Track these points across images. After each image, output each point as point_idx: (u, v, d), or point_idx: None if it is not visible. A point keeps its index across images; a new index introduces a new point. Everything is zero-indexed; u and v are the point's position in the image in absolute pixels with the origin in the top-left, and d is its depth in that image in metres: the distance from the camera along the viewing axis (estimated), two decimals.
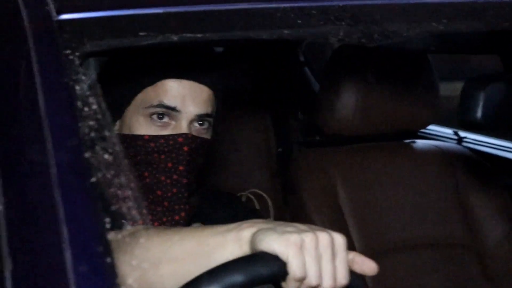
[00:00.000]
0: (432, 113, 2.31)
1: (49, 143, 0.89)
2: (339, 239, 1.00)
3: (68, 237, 0.81)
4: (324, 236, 0.98)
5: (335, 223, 2.14)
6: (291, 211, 2.29)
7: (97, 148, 0.90)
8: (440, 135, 2.90)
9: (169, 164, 1.45)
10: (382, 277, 2.11)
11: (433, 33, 1.15)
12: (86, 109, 0.93)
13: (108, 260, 0.80)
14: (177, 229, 1.08)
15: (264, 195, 2.50)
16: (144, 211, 0.90)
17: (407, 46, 2.08)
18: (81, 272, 0.79)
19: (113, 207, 0.88)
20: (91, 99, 0.94)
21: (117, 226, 0.87)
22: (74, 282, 0.79)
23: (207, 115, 1.48)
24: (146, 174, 1.46)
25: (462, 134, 2.81)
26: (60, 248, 0.81)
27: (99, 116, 0.93)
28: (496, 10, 1.23)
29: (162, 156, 1.44)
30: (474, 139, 2.77)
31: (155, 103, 1.45)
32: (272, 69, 3.23)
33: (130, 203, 0.89)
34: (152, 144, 1.44)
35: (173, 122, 1.46)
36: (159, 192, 1.45)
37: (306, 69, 3.29)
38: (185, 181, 1.45)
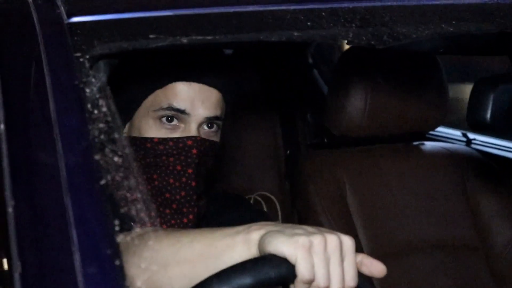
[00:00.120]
0: (441, 115, 2.31)
1: (58, 145, 0.90)
2: (348, 241, 1.00)
3: (77, 239, 0.82)
4: (332, 238, 0.98)
5: (343, 225, 2.14)
6: (299, 213, 2.29)
7: (107, 150, 0.91)
8: (448, 137, 2.89)
9: (178, 167, 1.45)
10: (390, 279, 2.11)
11: (443, 34, 1.15)
12: (96, 111, 0.93)
13: (117, 262, 0.80)
14: (186, 231, 1.08)
15: (272, 197, 2.51)
16: (153, 213, 0.90)
17: (416, 48, 2.08)
18: (90, 274, 0.79)
19: (122, 210, 0.88)
20: (101, 102, 0.94)
21: (126, 228, 0.87)
22: (83, 284, 0.79)
23: (216, 117, 1.48)
24: (155, 176, 1.46)
25: (471, 136, 2.81)
26: (69, 250, 0.81)
27: (109, 119, 0.93)
28: (506, 11, 1.23)
29: (171, 159, 1.45)
30: (483, 141, 2.77)
31: (165, 105, 1.45)
32: (281, 72, 3.22)
33: (139, 206, 0.89)
34: (161, 147, 1.45)
35: (182, 125, 1.46)
36: (167, 195, 1.46)
37: (315, 71, 3.29)
38: (193, 183, 1.45)
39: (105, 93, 0.96)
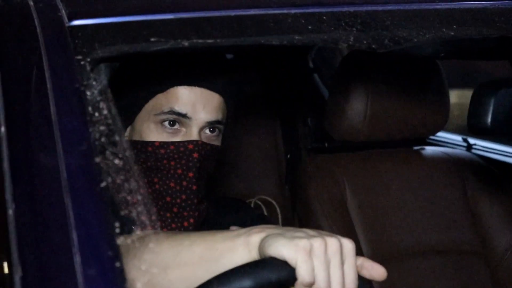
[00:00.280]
0: (442, 119, 2.31)
1: (59, 147, 0.90)
2: (348, 245, 1.00)
3: (78, 241, 0.82)
4: (333, 242, 0.98)
5: (343, 229, 2.14)
6: (300, 217, 2.29)
7: (107, 153, 0.91)
8: (449, 142, 2.89)
9: (179, 171, 1.45)
10: (390, 283, 2.11)
11: (443, 39, 1.16)
12: (96, 114, 0.93)
13: (118, 264, 0.80)
14: (186, 233, 1.08)
15: (273, 201, 2.51)
16: (153, 217, 0.90)
17: (417, 52, 2.08)
18: (90, 276, 0.80)
19: (123, 213, 0.88)
20: (101, 104, 0.94)
21: (126, 231, 0.87)
22: (83, 286, 0.79)
23: (217, 122, 1.48)
24: (155, 180, 1.46)
25: (471, 141, 2.81)
26: (69, 252, 0.81)
27: (110, 121, 0.93)
28: (507, 16, 1.23)
29: (172, 163, 1.45)
30: (484, 146, 2.77)
31: (166, 109, 1.45)
32: (281, 76, 3.23)
33: (140, 209, 0.89)
34: (162, 151, 1.45)
35: (183, 129, 1.46)
36: (168, 198, 1.46)
37: (316, 75, 3.29)
38: (194, 187, 1.46)
39: (106, 96, 0.96)
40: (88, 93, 0.96)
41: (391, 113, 2.24)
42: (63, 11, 1.09)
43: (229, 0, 1.19)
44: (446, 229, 2.27)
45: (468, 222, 2.29)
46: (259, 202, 2.44)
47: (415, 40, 1.14)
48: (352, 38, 1.11)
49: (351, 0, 1.22)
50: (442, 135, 2.89)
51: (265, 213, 2.33)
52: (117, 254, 0.81)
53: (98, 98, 0.95)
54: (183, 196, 1.45)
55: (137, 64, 1.49)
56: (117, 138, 0.92)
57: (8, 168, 0.93)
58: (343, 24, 1.13)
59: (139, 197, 0.90)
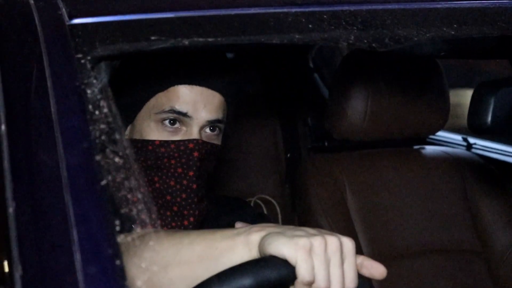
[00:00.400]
0: (442, 119, 2.31)
1: (59, 146, 0.90)
2: (348, 243, 1.00)
3: (78, 240, 0.82)
4: (333, 240, 0.98)
5: (343, 229, 2.14)
6: (299, 216, 2.29)
7: (108, 151, 0.91)
8: (449, 141, 2.89)
9: (179, 170, 1.45)
10: (390, 282, 2.11)
11: (444, 38, 1.16)
12: (97, 112, 0.93)
13: (118, 262, 0.80)
14: (186, 232, 1.08)
15: (273, 200, 2.51)
16: (154, 215, 0.90)
17: (417, 51, 2.08)
18: (91, 274, 0.80)
19: (123, 211, 0.88)
20: (102, 103, 0.94)
21: (126, 229, 0.87)
22: (83, 284, 0.79)
23: (218, 121, 1.48)
24: (156, 179, 1.46)
25: (471, 140, 2.81)
26: (70, 250, 0.81)
27: (110, 120, 0.93)
28: (507, 15, 1.23)
29: (172, 162, 1.45)
30: (484, 146, 2.77)
31: (167, 108, 1.45)
32: (282, 75, 3.23)
33: (140, 207, 0.89)
34: (162, 149, 1.45)
35: (184, 128, 1.46)
36: (168, 197, 1.46)
37: (316, 75, 3.29)
38: (194, 186, 1.46)
39: (106, 94, 0.96)
40: (89, 91, 0.96)
41: (391, 112, 2.24)
42: (64, 9, 1.09)
43: None
44: (445, 228, 2.27)
45: (468, 221, 2.29)
46: (259, 201, 2.45)
47: (416, 39, 1.14)
48: (352, 37, 1.11)
49: None
50: (442, 134, 2.89)
51: (265, 212, 2.33)
52: (117, 252, 0.81)
53: (99, 97, 0.95)
54: (183, 195, 1.45)
55: (137, 62, 1.49)
56: (117, 136, 0.92)
57: (9, 166, 0.93)
58: (344, 23, 1.13)
59: (139, 196, 0.90)
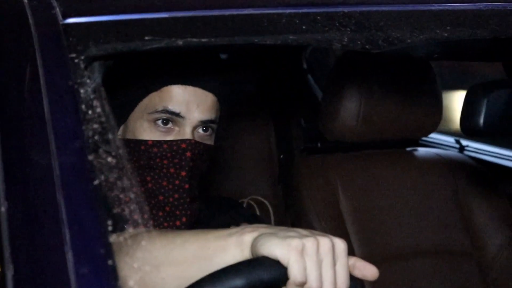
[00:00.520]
0: (435, 121, 2.32)
1: (52, 145, 0.90)
2: (340, 244, 1.00)
3: (70, 239, 0.82)
4: (325, 241, 0.98)
5: (336, 230, 2.14)
6: (292, 217, 2.29)
7: (100, 151, 0.91)
8: (442, 143, 2.90)
9: (172, 170, 1.45)
10: (382, 284, 2.11)
11: (437, 39, 1.16)
12: (90, 112, 0.93)
13: (110, 262, 0.80)
14: (179, 232, 1.08)
15: (265, 201, 2.51)
16: (146, 215, 0.90)
17: (411, 53, 2.09)
18: (83, 274, 0.79)
19: (115, 211, 0.88)
20: (95, 102, 0.94)
21: (119, 229, 0.87)
22: (75, 284, 0.79)
23: (211, 121, 1.48)
24: (148, 179, 1.46)
25: (464, 142, 2.82)
26: (62, 250, 0.81)
27: (103, 120, 0.93)
28: (500, 17, 1.23)
29: (165, 162, 1.45)
30: (476, 148, 2.78)
31: (160, 108, 1.45)
32: (275, 76, 3.23)
33: (132, 207, 0.89)
34: (155, 149, 1.45)
35: (176, 128, 1.46)
36: (160, 197, 1.46)
37: (309, 76, 3.29)
38: (187, 186, 1.46)
39: (99, 94, 0.96)
40: (82, 91, 0.96)
41: (384, 114, 2.24)
42: (57, 8, 1.09)
43: (224, 0, 1.19)
44: (438, 230, 2.28)
45: (460, 223, 2.30)
46: (252, 202, 2.45)
47: (409, 41, 1.14)
48: (346, 39, 1.11)
49: (345, 0, 1.22)
50: (434, 136, 2.90)
51: (258, 213, 2.33)
52: (109, 252, 0.81)
53: (92, 96, 0.95)
54: (176, 195, 1.45)
55: (131, 62, 1.49)
56: (110, 136, 0.92)
57: (1, 166, 0.93)
58: (337, 24, 1.13)
59: (132, 196, 0.90)
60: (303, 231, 1.00)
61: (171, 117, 1.45)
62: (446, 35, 1.16)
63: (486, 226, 2.29)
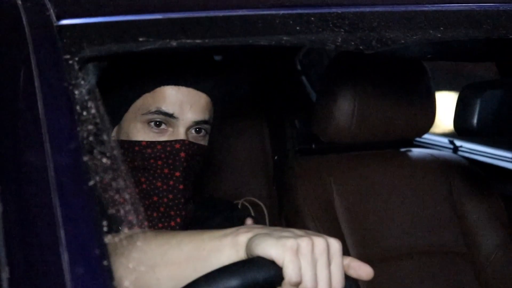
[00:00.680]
0: (428, 121, 2.32)
1: (47, 146, 0.90)
2: (335, 244, 1.00)
3: (65, 240, 0.82)
4: (320, 241, 0.99)
5: (330, 231, 2.15)
6: (287, 218, 2.29)
7: (95, 152, 0.91)
8: (435, 144, 2.90)
9: (166, 170, 1.45)
10: (377, 284, 2.11)
11: (430, 40, 1.16)
12: (84, 113, 0.93)
13: (105, 262, 0.80)
14: (174, 232, 1.09)
15: (260, 203, 2.51)
16: (140, 216, 0.90)
17: (404, 54, 2.09)
18: (78, 275, 0.80)
19: (110, 212, 0.88)
20: (89, 103, 0.94)
21: (114, 230, 0.87)
22: (71, 284, 0.79)
23: (204, 121, 1.48)
24: (142, 180, 1.46)
25: (457, 143, 2.82)
26: (57, 251, 0.81)
27: (98, 120, 0.93)
28: (493, 18, 1.24)
29: (159, 162, 1.45)
30: (470, 148, 2.78)
31: (153, 109, 1.45)
32: (269, 78, 3.23)
33: (127, 208, 0.89)
34: (149, 150, 1.45)
35: (170, 129, 1.46)
36: (155, 198, 1.46)
37: (303, 77, 3.30)
38: (181, 187, 1.46)
39: (94, 95, 0.96)
40: (76, 92, 0.96)
41: (378, 115, 2.25)
42: (52, 10, 1.09)
43: (218, 1, 1.19)
44: (432, 230, 2.28)
45: (454, 224, 2.31)
46: (246, 203, 2.44)
47: (402, 41, 1.14)
48: (339, 39, 1.11)
49: (339, 1, 1.22)
50: (428, 137, 2.90)
51: (253, 214, 2.33)
52: (104, 253, 0.81)
53: (86, 97, 0.95)
54: (170, 196, 1.45)
55: (125, 64, 1.49)
56: (105, 137, 0.92)
57: None
58: (331, 25, 1.13)
59: (127, 196, 0.90)
60: (298, 231, 1.00)
61: (165, 118, 1.45)
62: (439, 35, 1.17)
63: (480, 226, 2.30)
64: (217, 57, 2.67)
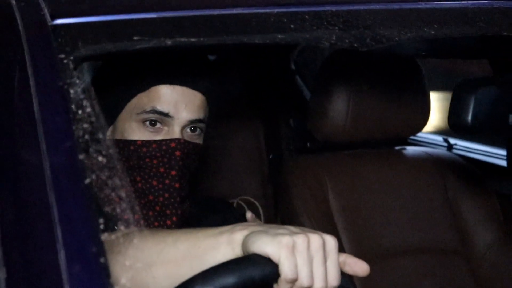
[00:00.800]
0: (423, 119, 2.33)
1: (43, 145, 0.90)
2: (331, 241, 1.00)
3: (62, 238, 0.82)
4: (315, 238, 0.99)
5: (325, 229, 2.15)
6: (282, 217, 2.29)
7: (91, 150, 0.91)
8: (430, 142, 2.91)
9: (161, 169, 1.45)
10: (372, 282, 2.12)
11: (425, 38, 1.17)
12: (80, 112, 0.94)
13: (102, 260, 0.80)
14: (170, 231, 1.09)
15: (255, 202, 2.51)
16: (137, 215, 0.90)
17: (399, 51, 2.10)
18: (75, 273, 0.80)
19: (106, 210, 0.88)
20: (85, 102, 0.94)
21: (110, 228, 0.87)
22: (67, 282, 0.79)
23: (199, 120, 1.48)
24: (138, 179, 1.46)
25: (452, 141, 2.83)
26: (54, 249, 0.81)
27: (93, 119, 0.93)
28: (487, 16, 1.24)
29: (155, 161, 1.45)
30: (464, 146, 2.79)
31: (148, 108, 1.45)
32: (264, 77, 3.24)
33: (122, 207, 0.90)
34: (144, 149, 1.45)
35: (165, 128, 1.46)
36: (151, 197, 1.46)
37: (297, 77, 3.30)
38: (177, 185, 1.46)
39: (89, 94, 0.96)
40: (71, 91, 0.96)
41: (373, 113, 2.25)
42: (46, 10, 1.09)
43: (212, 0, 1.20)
44: (427, 228, 2.29)
45: (449, 221, 2.31)
46: (242, 202, 2.45)
47: (397, 39, 1.14)
48: (334, 37, 1.12)
49: None
50: (423, 135, 2.91)
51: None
52: (101, 251, 0.81)
53: (82, 96, 0.95)
54: (166, 195, 1.45)
55: (119, 63, 1.49)
56: (100, 135, 0.92)
57: None
58: (325, 23, 1.13)
59: (122, 195, 0.90)
60: (294, 229, 1.01)
61: (160, 117, 1.45)
62: (433, 33, 1.17)
63: (475, 224, 2.30)
64: (211, 57, 2.68)
